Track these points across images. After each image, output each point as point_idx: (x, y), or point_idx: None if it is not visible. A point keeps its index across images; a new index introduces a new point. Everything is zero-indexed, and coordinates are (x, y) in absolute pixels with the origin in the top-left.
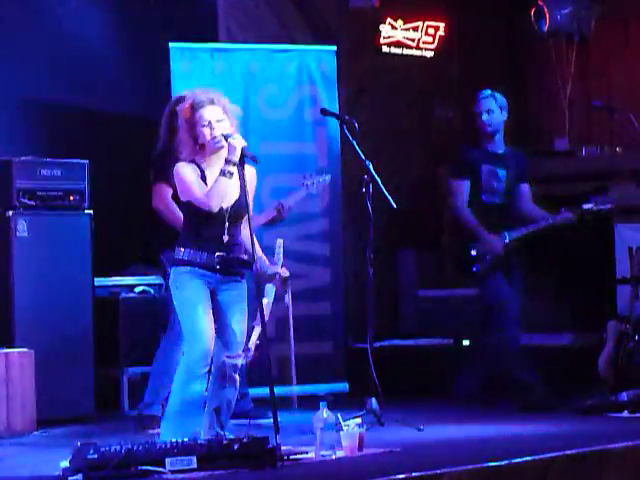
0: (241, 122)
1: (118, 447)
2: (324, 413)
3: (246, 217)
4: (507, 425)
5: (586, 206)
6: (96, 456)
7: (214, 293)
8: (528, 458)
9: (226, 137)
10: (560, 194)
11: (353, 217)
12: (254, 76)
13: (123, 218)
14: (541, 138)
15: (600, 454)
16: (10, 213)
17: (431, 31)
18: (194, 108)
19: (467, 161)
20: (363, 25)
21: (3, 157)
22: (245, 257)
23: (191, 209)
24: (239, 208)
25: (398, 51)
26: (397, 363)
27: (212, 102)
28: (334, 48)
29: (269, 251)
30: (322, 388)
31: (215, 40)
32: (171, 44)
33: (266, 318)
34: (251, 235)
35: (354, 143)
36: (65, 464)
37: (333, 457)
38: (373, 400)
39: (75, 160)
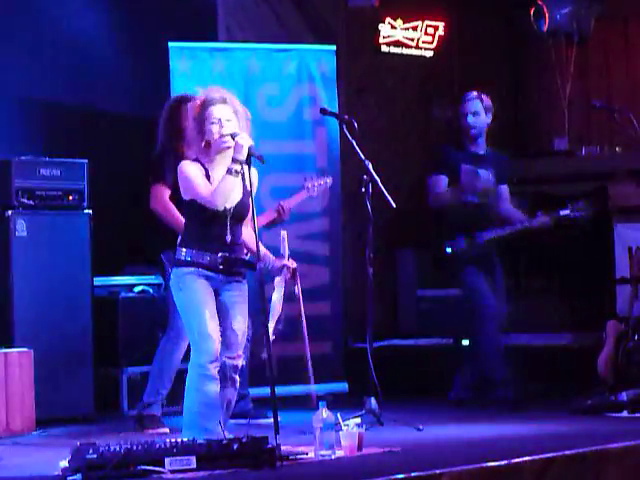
0: None
1: (117, 447)
2: (323, 413)
3: (248, 217)
4: (506, 425)
5: (563, 212)
6: (95, 456)
7: (217, 293)
8: (527, 458)
9: (233, 135)
10: (560, 194)
11: (352, 217)
12: (253, 75)
13: (122, 218)
14: (541, 138)
15: (599, 454)
16: (9, 213)
17: (430, 31)
18: (205, 105)
19: (447, 161)
20: (362, 25)
21: (2, 156)
22: (247, 257)
23: (194, 208)
24: (242, 208)
25: (397, 51)
26: (396, 363)
27: (224, 101)
28: (334, 48)
29: (271, 249)
30: (321, 388)
31: (215, 39)
32: (170, 43)
33: (278, 311)
34: (255, 234)
35: (353, 143)
36: (64, 464)
37: (332, 457)
38: (372, 400)
39: (74, 160)
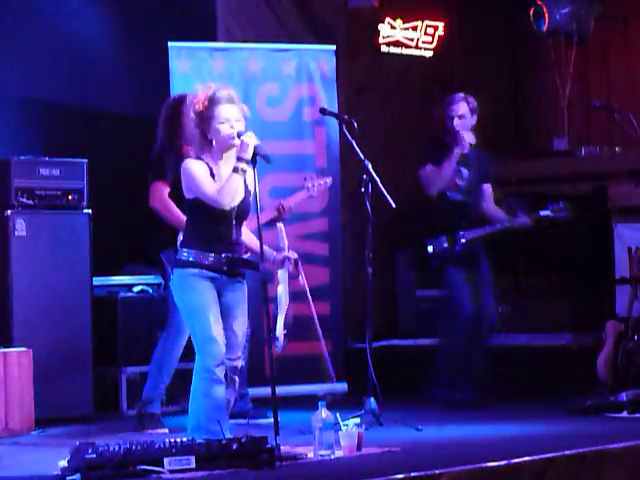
0: None
1: (116, 447)
2: (323, 413)
3: (249, 217)
4: (506, 425)
5: (543, 213)
6: (94, 456)
7: (219, 294)
8: (527, 458)
9: (239, 134)
10: (559, 194)
11: (352, 217)
12: (253, 75)
13: (122, 217)
14: (540, 138)
15: (599, 454)
16: (9, 212)
17: (430, 31)
18: (212, 102)
19: (432, 159)
20: (362, 25)
21: (2, 156)
22: (248, 257)
23: (197, 207)
24: (244, 207)
25: (397, 51)
26: (396, 363)
27: (232, 100)
28: (333, 48)
29: (270, 248)
30: (321, 388)
31: (214, 39)
32: (170, 43)
33: (285, 304)
34: (260, 234)
35: (353, 143)
36: (63, 464)
37: (332, 457)
38: (372, 400)
39: (74, 159)
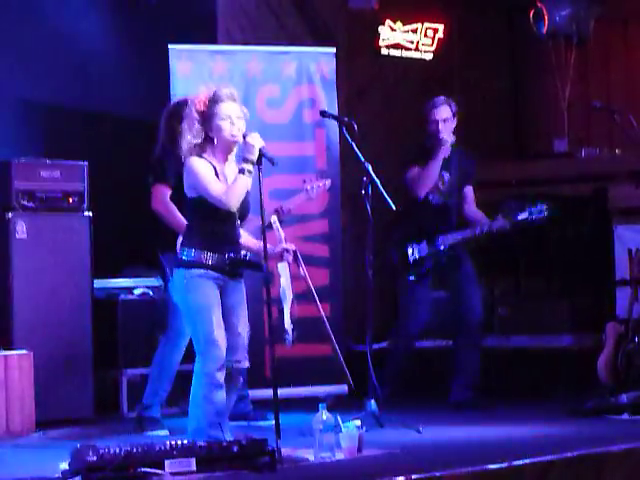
0: None
1: (117, 449)
2: (323, 415)
3: (248, 217)
4: (506, 427)
5: (521, 216)
6: (95, 458)
7: (221, 295)
8: (527, 460)
9: (244, 135)
10: (560, 195)
11: (352, 218)
12: (253, 77)
13: (122, 220)
14: (541, 139)
15: (600, 457)
16: (9, 215)
17: (430, 33)
18: (213, 100)
19: (417, 161)
20: (362, 27)
21: (2, 158)
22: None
23: (200, 206)
24: (245, 208)
25: (397, 53)
26: (411, 364)
27: (233, 99)
28: (333, 50)
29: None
30: (321, 390)
31: (214, 41)
32: (170, 46)
33: (290, 296)
34: (263, 235)
35: (353, 145)
36: (64, 466)
37: (332, 459)
38: (372, 402)
39: (74, 162)
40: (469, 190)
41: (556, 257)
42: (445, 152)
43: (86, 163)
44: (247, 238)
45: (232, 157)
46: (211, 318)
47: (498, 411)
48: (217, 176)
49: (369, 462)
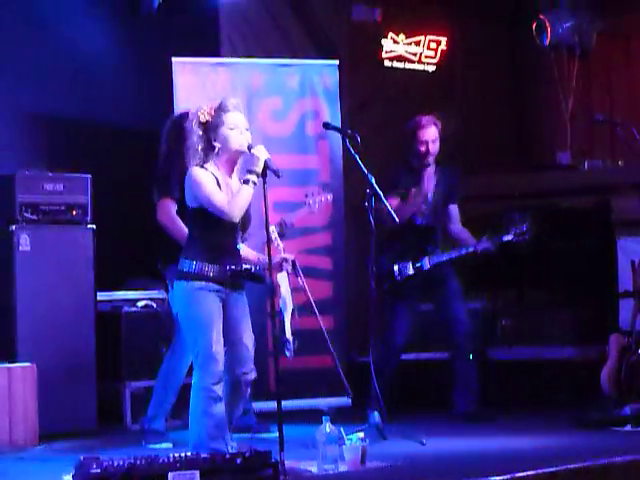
0: None
1: (121, 461)
2: (327, 427)
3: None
4: (510, 438)
5: (505, 238)
6: (99, 470)
7: (223, 307)
8: (530, 472)
9: (249, 147)
10: (563, 208)
11: (356, 231)
12: (256, 90)
13: (125, 232)
14: (543, 152)
15: (603, 468)
16: (13, 227)
17: (433, 45)
18: (220, 110)
19: (398, 183)
20: (365, 39)
21: (6, 171)
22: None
23: (201, 217)
24: (247, 220)
25: (400, 65)
26: (399, 377)
27: (239, 109)
28: (336, 62)
29: None
30: (324, 402)
31: (217, 53)
32: (173, 58)
33: (290, 305)
34: (268, 247)
35: (356, 157)
36: (68, 478)
37: (336, 471)
38: (375, 414)
39: (78, 174)
40: (454, 208)
41: (559, 269)
42: (430, 172)
43: (89, 176)
44: (246, 250)
45: (236, 169)
46: (211, 333)
47: (501, 422)
48: (219, 186)
49: (372, 474)
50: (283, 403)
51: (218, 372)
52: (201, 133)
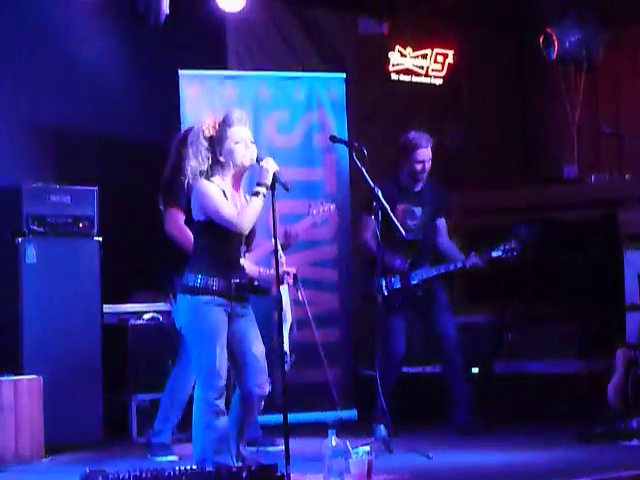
0: None
1: (126, 474)
2: (332, 440)
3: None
4: (515, 452)
5: (494, 254)
6: None
7: (230, 320)
8: None
9: (258, 160)
10: (569, 221)
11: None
12: (263, 102)
13: (132, 245)
14: (550, 165)
15: None
16: (19, 239)
17: (440, 59)
18: (225, 124)
19: (384, 198)
20: (372, 52)
21: (13, 183)
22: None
23: (208, 229)
24: (252, 232)
25: (407, 78)
26: (405, 390)
27: (244, 123)
28: (343, 75)
29: None
30: (330, 415)
31: (224, 66)
32: (181, 71)
33: (290, 318)
34: (276, 259)
35: (363, 170)
36: None
37: None
38: (382, 427)
39: (84, 187)
40: (441, 222)
41: (565, 282)
42: (415, 186)
43: (96, 188)
44: (247, 264)
45: (243, 182)
46: (215, 348)
47: (506, 436)
48: (226, 199)
49: None
50: (289, 416)
51: (221, 387)
52: (207, 147)
